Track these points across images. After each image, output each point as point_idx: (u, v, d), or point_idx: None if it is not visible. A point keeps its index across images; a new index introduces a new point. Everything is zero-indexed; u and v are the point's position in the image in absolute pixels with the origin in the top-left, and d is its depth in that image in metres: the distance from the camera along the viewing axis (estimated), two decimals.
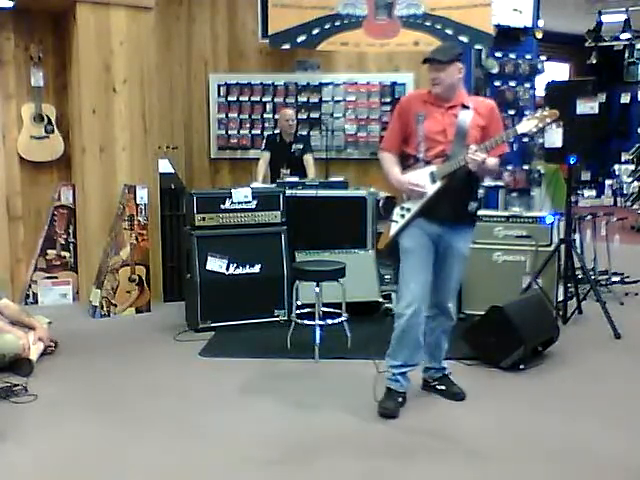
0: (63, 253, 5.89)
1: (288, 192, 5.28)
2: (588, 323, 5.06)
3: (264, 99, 7.03)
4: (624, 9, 11.14)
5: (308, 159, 6.26)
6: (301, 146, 6.29)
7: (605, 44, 12.39)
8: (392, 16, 6.42)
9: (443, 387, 3.69)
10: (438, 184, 3.34)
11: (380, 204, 3.59)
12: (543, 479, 2.89)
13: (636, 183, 10.92)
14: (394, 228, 3.45)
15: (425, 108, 3.39)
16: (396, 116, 3.53)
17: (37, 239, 5.85)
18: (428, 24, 6.38)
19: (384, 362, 3.58)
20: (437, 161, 3.35)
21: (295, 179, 5.71)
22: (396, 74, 6.97)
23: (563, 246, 5.01)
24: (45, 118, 5.77)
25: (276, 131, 6.56)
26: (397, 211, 3.45)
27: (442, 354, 3.70)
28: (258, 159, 6.41)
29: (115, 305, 5.45)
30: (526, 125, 3.28)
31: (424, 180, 3.35)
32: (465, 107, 3.38)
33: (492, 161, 3.38)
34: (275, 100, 7.03)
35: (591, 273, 5.52)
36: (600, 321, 4.83)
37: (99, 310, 5.38)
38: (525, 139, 7.21)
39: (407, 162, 3.45)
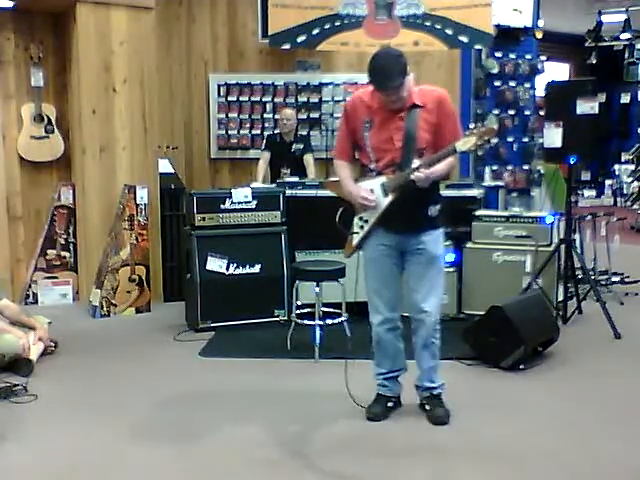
0: (63, 253, 5.89)
1: (288, 192, 5.28)
2: (588, 323, 5.06)
3: (264, 99, 7.02)
4: (624, 9, 11.14)
5: (308, 159, 6.25)
6: (301, 146, 6.29)
7: (605, 44, 12.39)
8: (392, 16, 6.42)
9: (428, 407, 3.43)
10: (390, 197, 3.20)
11: (337, 215, 3.39)
12: (543, 479, 2.89)
13: (636, 183, 10.92)
14: (355, 239, 3.35)
15: (370, 114, 3.21)
16: (343, 122, 3.35)
17: (37, 239, 5.85)
18: (428, 24, 6.37)
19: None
20: (388, 171, 3.20)
21: (295, 179, 5.71)
22: None
23: (563, 246, 5.01)
24: (45, 118, 5.77)
25: (276, 131, 6.56)
26: (356, 222, 3.34)
27: (426, 374, 3.43)
28: (258, 159, 6.41)
29: (115, 305, 5.45)
30: (465, 143, 3.06)
31: (377, 191, 3.22)
32: (415, 106, 3.16)
33: (442, 166, 3.16)
34: (275, 100, 7.02)
35: (591, 273, 5.52)
36: (600, 321, 4.82)
37: (99, 310, 5.38)
38: (525, 139, 7.23)
39: (363, 170, 3.33)
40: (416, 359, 3.45)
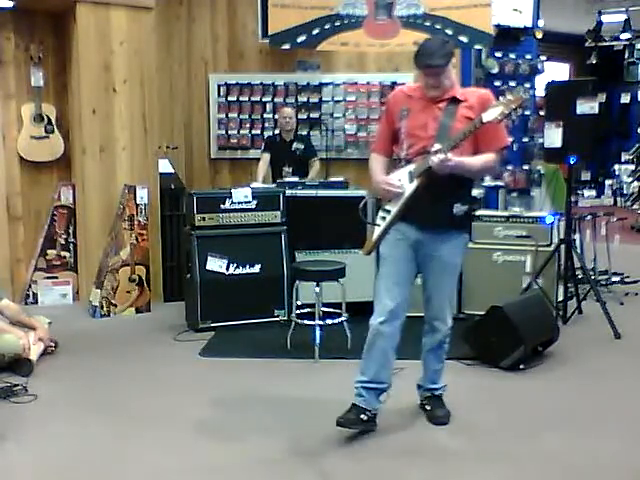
0: (63, 253, 5.89)
1: (288, 192, 5.27)
2: (588, 323, 5.06)
3: (264, 99, 7.01)
4: (624, 9, 11.15)
5: (315, 164, 6.29)
6: (302, 146, 6.30)
7: (605, 44, 12.40)
8: (392, 16, 6.42)
9: (428, 407, 3.44)
10: (415, 183, 3.09)
11: (360, 206, 3.38)
12: (543, 479, 2.89)
13: (636, 183, 10.93)
14: (376, 231, 3.26)
15: (410, 102, 3.19)
16: (384, 114, 3.36)
17: (37, 239, 5.85)
18: (428, 24, 6.37)
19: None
20: (418, 159, 3.11)
21: (296, 179, 5.71)
22: (396, 74, 6.96)
23: (563, 246, 5.01)
24: (45, 118, 5.77)
25: (276, 131, 6.56)
26: (380, 214, 3.27)
27: (430, 375, 3.43)
28: (258, 159, 6.41)
29: (115, 305, 5.45)
30: (491, 113, 2.98)
31: (404, 179, 3.14)
32: (455, 100, 3.13)
33: (473, 161, 3.08)
34: (275, 100, 7.01)
35: (591, 273, 5.52)
36: (600, 321, 4.83)
37: (99, 310, 5.38)
38: (525, 139, 7.23)
39: (394, 163, 3.28)
40: (422, 360, 3.44)
